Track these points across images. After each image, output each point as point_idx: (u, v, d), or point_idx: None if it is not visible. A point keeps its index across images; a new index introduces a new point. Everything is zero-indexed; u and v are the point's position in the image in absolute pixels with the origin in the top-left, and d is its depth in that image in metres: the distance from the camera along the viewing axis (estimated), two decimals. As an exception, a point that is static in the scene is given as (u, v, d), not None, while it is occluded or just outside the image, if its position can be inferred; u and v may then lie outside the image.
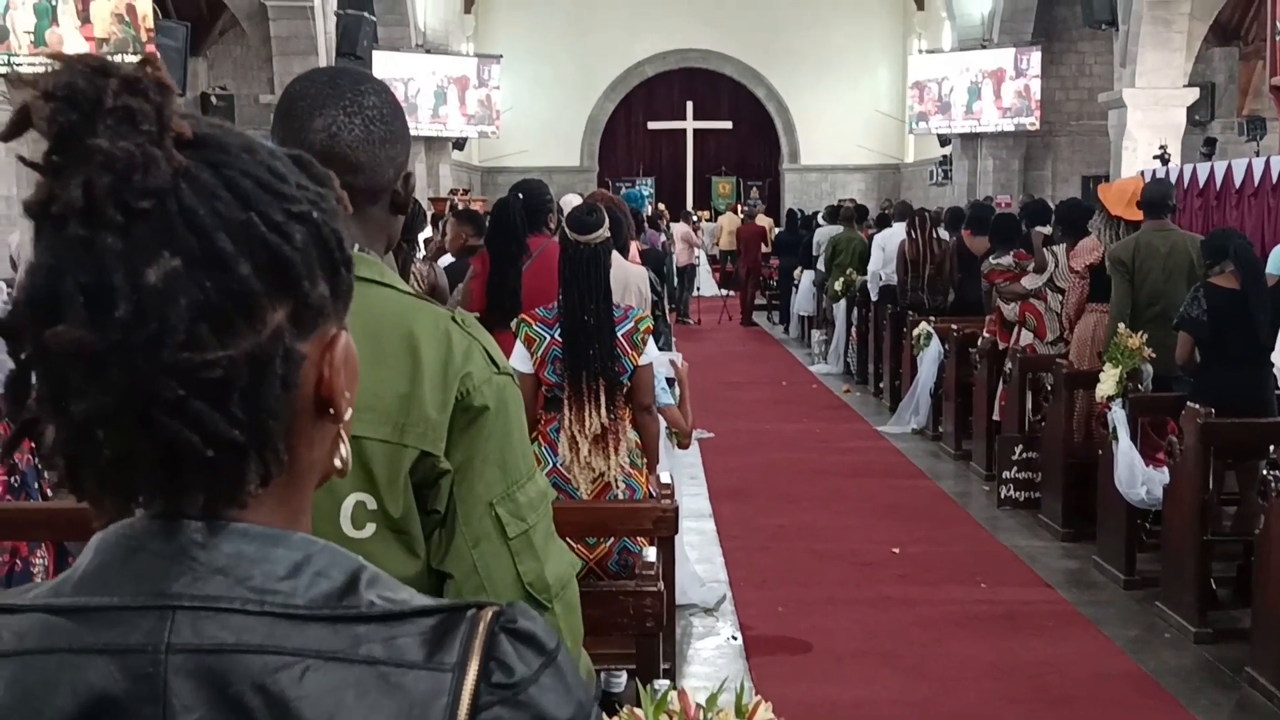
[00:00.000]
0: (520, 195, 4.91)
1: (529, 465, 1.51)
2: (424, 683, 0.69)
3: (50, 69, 0.69)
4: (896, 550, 6.20)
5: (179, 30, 11.65)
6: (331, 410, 0.75)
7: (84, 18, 8.93)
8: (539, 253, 4.75)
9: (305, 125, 1.49)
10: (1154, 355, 5.51)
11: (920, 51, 23.23)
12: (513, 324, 4.03)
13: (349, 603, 0.71)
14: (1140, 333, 5.59)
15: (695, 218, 21.06)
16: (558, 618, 1.48)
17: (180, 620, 0.68)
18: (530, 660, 0.72)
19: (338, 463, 0.77)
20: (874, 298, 11.09)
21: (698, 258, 19.08)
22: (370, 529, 1.42)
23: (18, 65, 8.97)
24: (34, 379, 0.69)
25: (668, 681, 1.71)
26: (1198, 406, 4.93)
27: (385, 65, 19.00)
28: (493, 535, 1.44)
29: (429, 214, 13.22)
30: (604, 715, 1.83)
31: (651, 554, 3.43)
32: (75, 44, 8.96)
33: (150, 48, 9.16)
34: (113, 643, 0.68)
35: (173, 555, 0.70)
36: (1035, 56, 19.50)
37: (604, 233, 4.00)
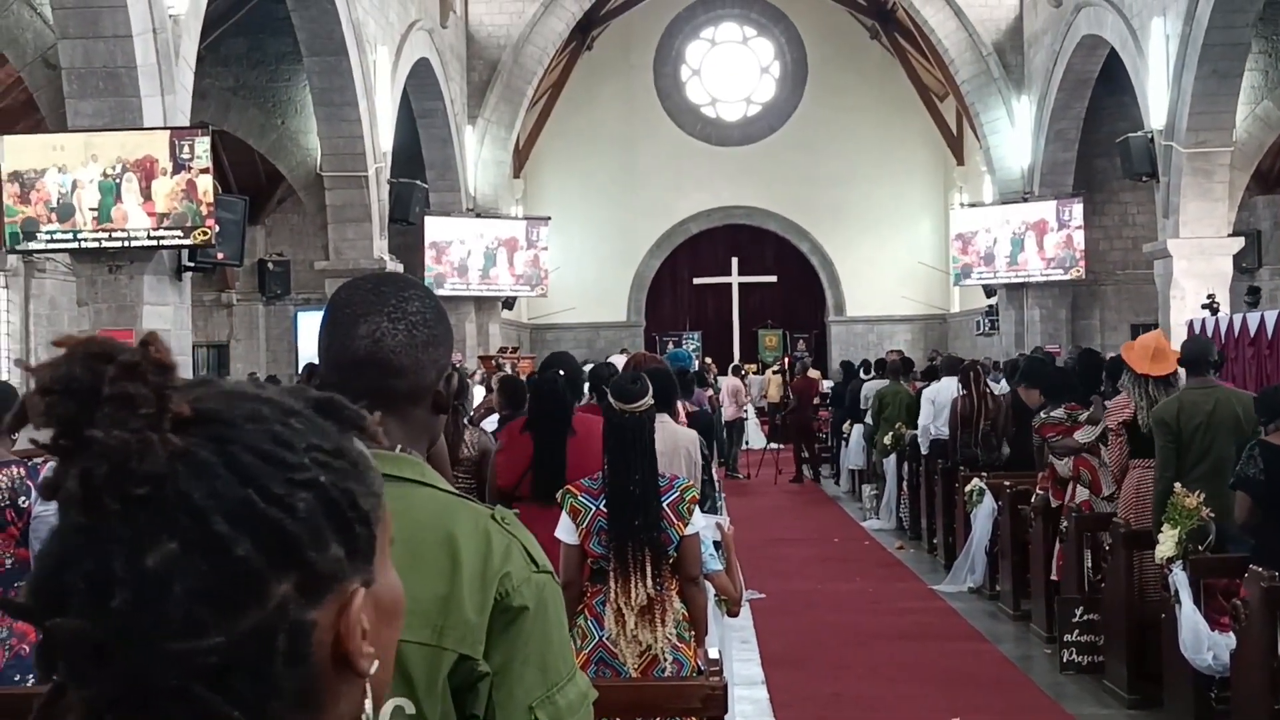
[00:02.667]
0: (562, 373, 4.95)
1: (570, 666, 1.48)
2: None
3: (51, 359, 0.70)
4: None
5: (238, 204, 12.06)
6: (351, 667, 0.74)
7: (146, 195, 9.27)
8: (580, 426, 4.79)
9: (351, 332, 1.53)
10: (1213, 515, 5.39)
11: (962, 205, 23.48)
12: (558, 495, 4.02)
13: None
14: (1197, 492, 5.48)
15: (743, 371, 21.14)
16: None
17: None
18: None
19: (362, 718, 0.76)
20: (924, 452, 10.99)
21: (746, 411, 19.07)
22: None
23: (84, 240, 9.29)
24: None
25: None
26: (1261, 569, 4.79)
27: (437, 229, 19.52)
28: None
29: (477, 374, 13.42)
30: None
31: (700, 734, 3.33)
32: (138, 219, 9.28)
33: (210, 221, 9.45)
34: None
35: None
36: (1077, 208, 19.65)
37: (648, 401, 4.01)
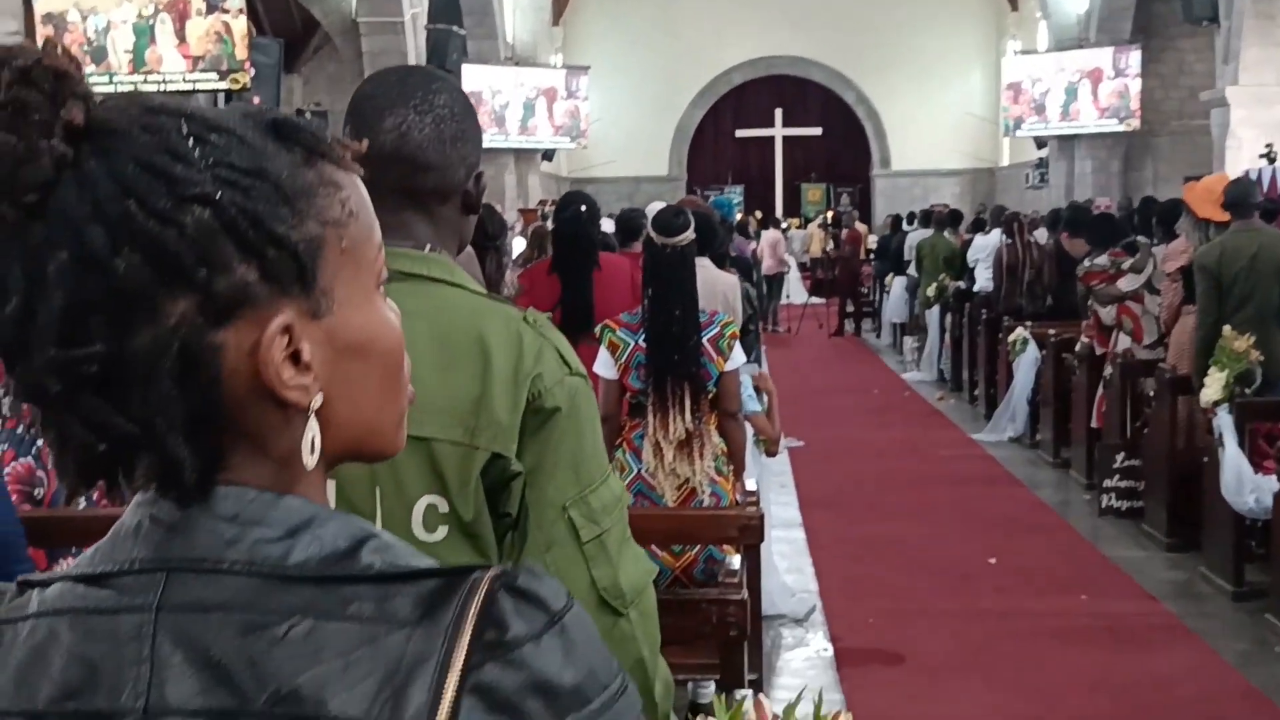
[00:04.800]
0: (584, 208, 4.89)
1: (602, 468, 1.46)
2: (414, 642, 0.66)
3: None
4: (993, 561, 6.04)
5: (273, 47, 11.88)
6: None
7: (181, 37, 9.14)
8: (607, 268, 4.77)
9: (375, 125, 1.47)
10: (1262, 358, 5.30)
11: (1015, 53, 22.81)
12: (597, 330, 4.00)
13: (344, 566, 0.70)
14: (1247, 335, 5.38)
15: (784, 225, 20.90)
16: (634, 625, 1.43)
17: (172, 581, 0.70)
18: (532, 619, 0.67)
19: (303, 452, 0.74)
20: (978, 288, 10.85)
21: (787, 265, 18.93)
22: (442, 532, 1.39)
23: (119, 84, 9.22)
24: None
25: (749, 690, 1.65)
26: (1310, 411, 4.73)
27: (474, 78, 19.20)
28: (565, 540, 1.40)
29: (517, 226, 13.35)
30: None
31: (737, 562, 3.36)
32: (173, 62, 9.18)
33: (246, 65, 9.33)
34: (113, 604, 0.70)
35: (171, 523, 0.71)
36: (1134, 55, 19.02)
37: (690, 235, 3.94)
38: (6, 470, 3.32)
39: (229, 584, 0.69)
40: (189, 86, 9.29)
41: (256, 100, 11.01)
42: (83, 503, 3.68)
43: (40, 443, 3.74)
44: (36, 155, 0.67)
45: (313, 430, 0.73)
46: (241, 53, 9.31)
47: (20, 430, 3.74)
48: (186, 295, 0.68)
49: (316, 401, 0.72)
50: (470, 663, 0.65)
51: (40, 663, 0.70)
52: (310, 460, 0.73)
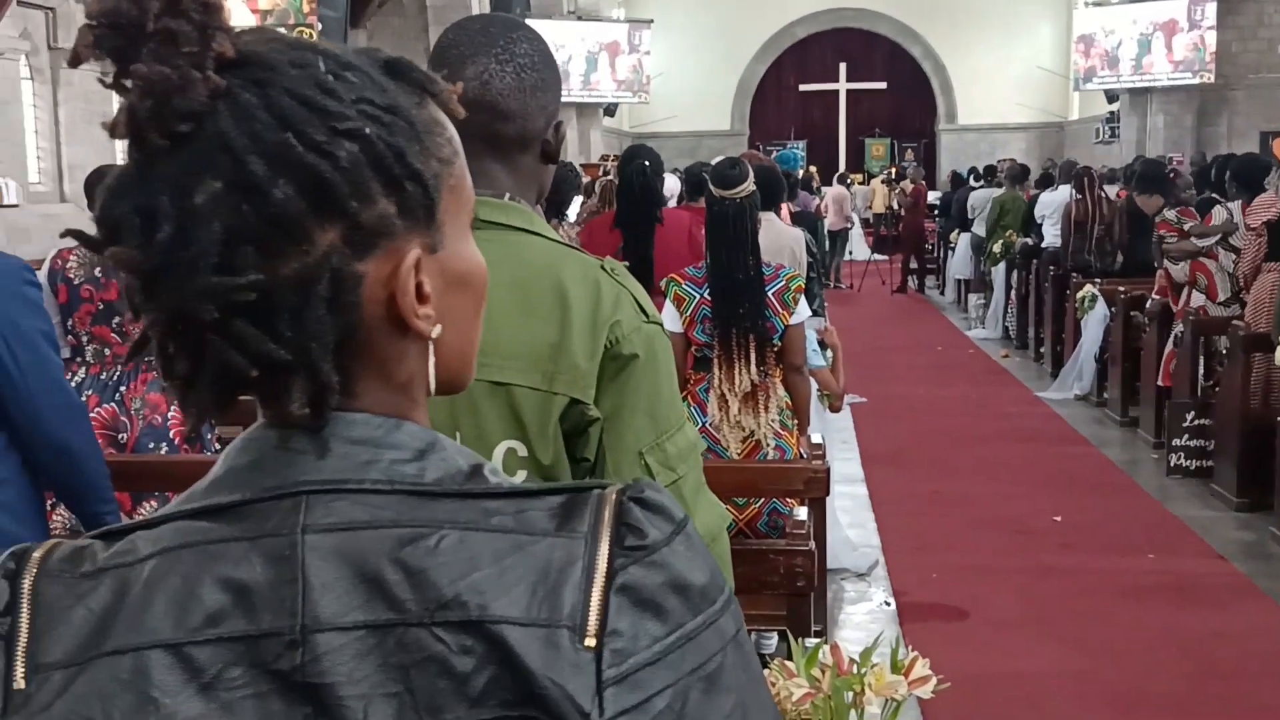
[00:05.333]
0: (648, 163, 4.87)
1: (679, 415, 1.48)
2: (558, 549, 0.70)
3: None
4: (1058, 519, 5.99)
5: (340, 1, 11.93)
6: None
7: (249, -10, 9.22)
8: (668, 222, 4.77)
9: (457, 73, 1.47)
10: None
11: (1086, 4, 22.30)
12: (662, 283, 4.01)
13: (476, 483, 0.73)
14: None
15: (849, 181, 20.69)
16: None
17: (313, 503, 0.71)
18: (662, 526, 0.71)
19: (430, 381, 0.77)
20: (1046, 243, 10.66)
21: (850, 221, 18.75)
22: (521, 476, 1.42)
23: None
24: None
25: (820, 639, 1.67)
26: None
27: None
28: None
29: (583, 181, 13.32)
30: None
31: (802, 514, 3.38)
32: (242, 15, 9.27)
33: (313, 18, 9.40)
34: (247, 531, 0.70)
35: (299, 448, 0.72)
36: (1210, 7, 18.54)
37: (749, 186, 3.92)
38: (92, 415, 3.41)
39: (373, 501, 0.71)
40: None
41: (322, 55, 11.06)
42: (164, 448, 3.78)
43: (123, 389, 3.84)
44: (190, 85, 0.68)
45: (434, 358, 0.76)
46: (307, 6, 9.36)
47: (104, 376, 3.85)
48: (336, 225, 0.70)
49: (437, 331, 0.75)
50: (614, 565, 0.69)
51: (184, 595, 0.70)
52: (434, 386, 0.77)
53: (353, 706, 0.67)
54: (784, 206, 6.17)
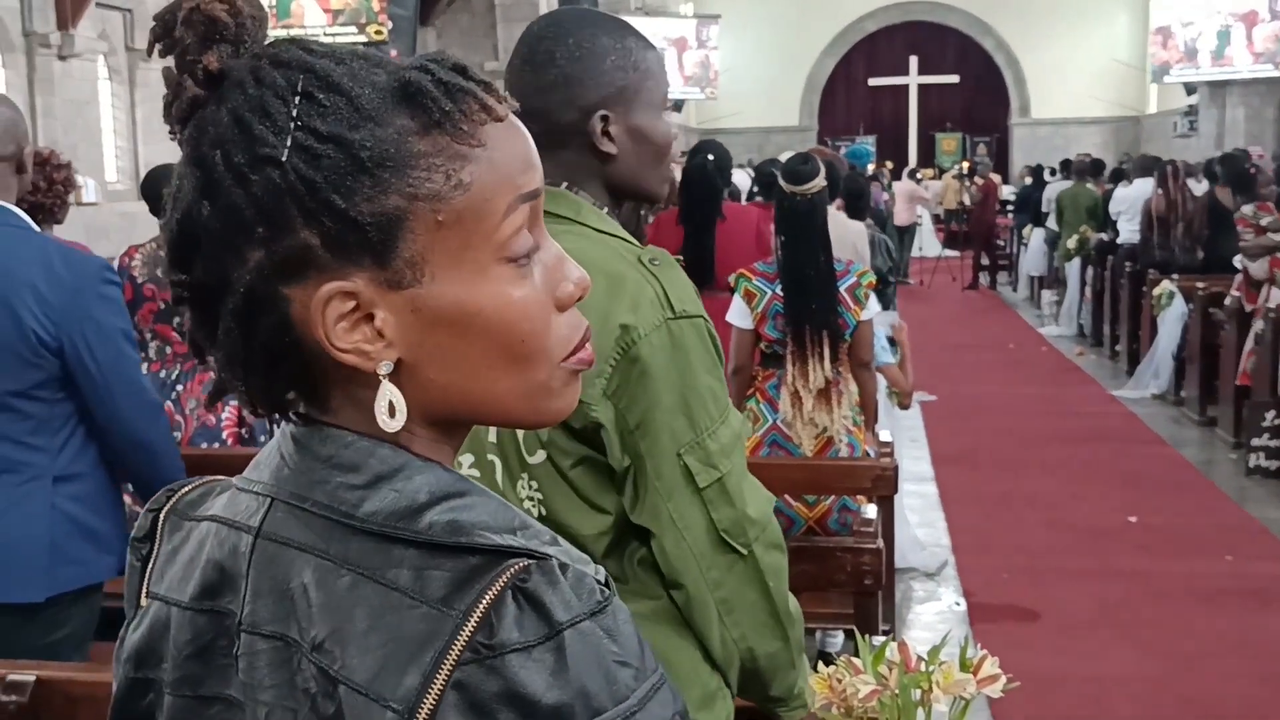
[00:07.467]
0: (711, 157, 4.84)
1: (721, 407, 1.43)
2: (427, 623, 0.66)
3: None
4: (1133, 520, 5.89)
5: (409, 0, 12.05)
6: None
7: (322, -10, 9.34)
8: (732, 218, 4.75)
9: (507, 79, 1.52)
10: None
11: (1163, -6, 21.87)
12: (730, 279, 3.99)
13: (407, 523, 0.70)
14: None
15: (919, 176, 20.48)
16: (757, 559, 1.43)
17: (275, 510, 0.75)
18: (527, 628, 0.65)
19: (378, 411, 0.73)
20: (1121, 240, 10.44)
21: (920, 217, 18.55)
22: (541, 455, 1.42)
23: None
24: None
25: (887, 637, 1.65)
26: None
27: (606, 29, 19.16)
28: (683, 487, 1.39)
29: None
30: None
31: (871, 512, 3.35)
32: (314, 16, 9.40)
33: (383, 17, 9.50)
34: (241, 520, 0.77)
35: (284, 451, 0.77)
36: (1294, -4, 18.09)
37: (820, 182, 3.89)
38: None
39: (311, 523, 0.73)
40: (329, 39, 9.50)
41: (394, 54, 11.19)
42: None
43: (180, 387, 3.91)
44: (181, 93, 0.74)
45: (388, 393, 0.72)
46: (378, 5, 9.46)
47: (163, 374, 3.92)
48: (257, 248, 0.71)
49: (384, 367, 0.72)
50: (461, 658, 0.65)
51: (195, 561, 0.79)
52: (389, 422, 0.72)
53: (258, 710, 0.72)
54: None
